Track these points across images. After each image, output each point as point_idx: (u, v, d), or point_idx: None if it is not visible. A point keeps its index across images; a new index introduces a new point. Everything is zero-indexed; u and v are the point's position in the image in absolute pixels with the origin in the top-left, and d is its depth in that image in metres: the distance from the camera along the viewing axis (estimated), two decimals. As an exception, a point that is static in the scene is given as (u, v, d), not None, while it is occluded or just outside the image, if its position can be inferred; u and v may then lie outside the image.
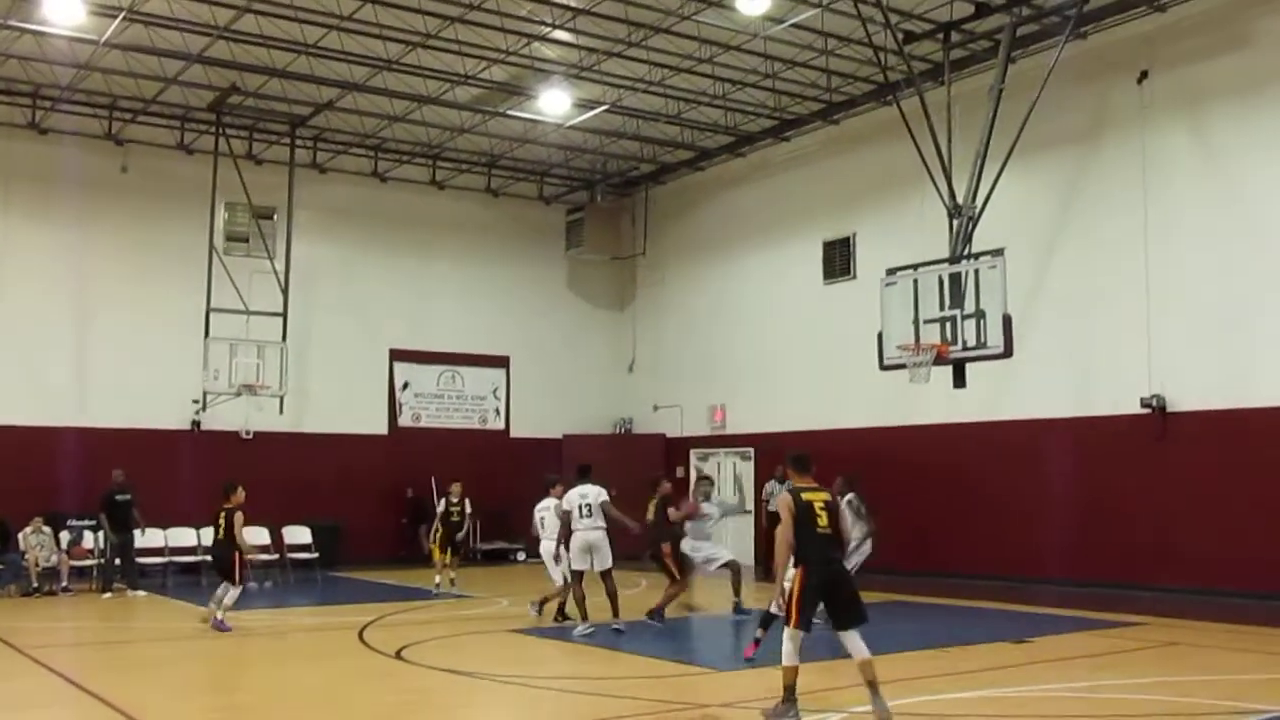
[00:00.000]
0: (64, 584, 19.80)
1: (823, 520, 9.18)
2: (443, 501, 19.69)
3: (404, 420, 26.96)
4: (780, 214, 25.46)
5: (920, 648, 13.40)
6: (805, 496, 9.29)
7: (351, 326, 26.19)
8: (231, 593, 15.41)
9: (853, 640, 9.09)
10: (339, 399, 25.87)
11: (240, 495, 15.88)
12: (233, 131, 23.95)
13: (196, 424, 23.97)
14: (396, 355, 26.92)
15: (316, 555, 22.66)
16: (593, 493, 14.94)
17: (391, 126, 24.39)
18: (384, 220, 26.85)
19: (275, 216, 25.01)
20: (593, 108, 22.99)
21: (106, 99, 22.60)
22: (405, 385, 27.04)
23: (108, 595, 19.48)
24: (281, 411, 23.94)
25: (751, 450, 25.68)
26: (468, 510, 19.60)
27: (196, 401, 23.64)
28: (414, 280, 27.07)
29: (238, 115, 23.45)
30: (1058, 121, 19.20)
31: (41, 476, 21.48)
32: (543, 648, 14.00)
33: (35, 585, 19.40)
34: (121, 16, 18.42)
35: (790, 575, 9.33)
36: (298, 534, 22.95)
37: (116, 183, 23.83)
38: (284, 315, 23.92)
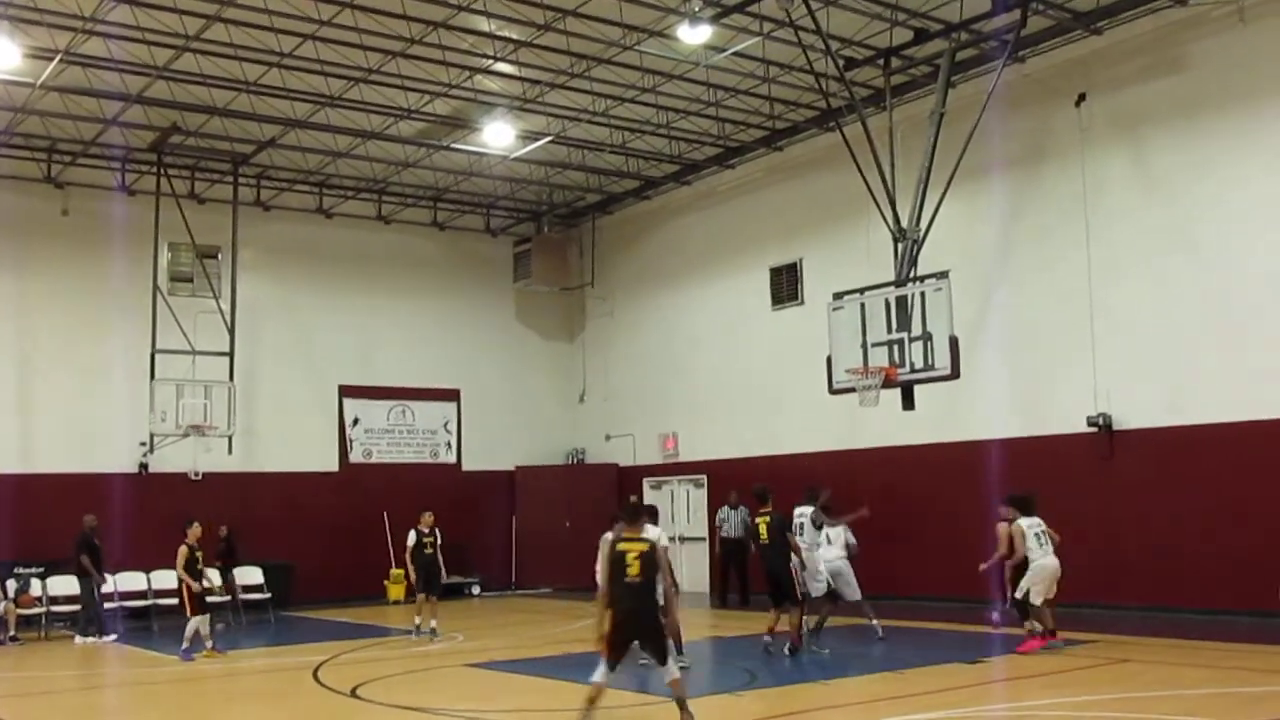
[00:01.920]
0: (12, 633, 19.44)
1: (633, 570, 9.68)
2: (413, 534, 18.77)
3: (355, 456, 26.77)
4: (727, 241, 25.58)
5: (872, 671, 13.43)
6: (620, 546, 9.82)
7: (299, 364, 26.01)
8: (189, 625, 15.67)
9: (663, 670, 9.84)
10: (289, 437, 25.64)
11: (192, 531, 16.41)
12: (174, 171, 23.73)
13: (144, 466, 23.67)
14: (346, 391, 26.74)
15: (269, 596, 22.41)
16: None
17: (335, 162, 24.30)
18: (330, 256, 26.74)
19: (220, 256, 24.83)
20: (537, 139, 23.02)
21: (45, 142, 22.38)
22: (355, 421, 26.86)
23: (92, 640, 19.06)
24: (230, 451, 23.64)
25: (704, 477, 25.69)
26: (439, 541, 18.83)
27: (144, 444, 23.36)
28: (362, 316, 26.93)
29: (179, 155, 23.27)
30: (999, 145, 19.38)
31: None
32: (498, 682, 13.89)
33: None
34: (58, 59, 18.25)
35: None
36: (249, 574, 22.68)
37: (57, 226, 23.56)
38: (231, 354, 23.68)
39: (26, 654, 18.39)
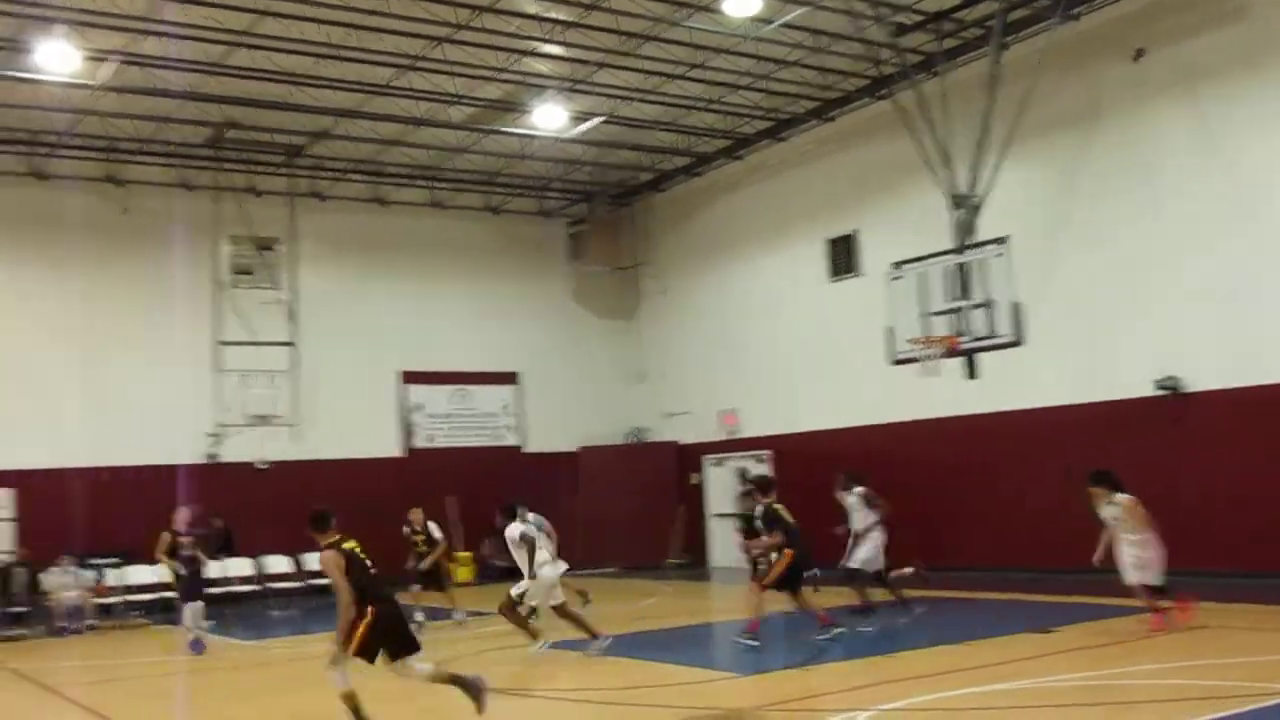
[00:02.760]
0: (89, 622, 19.80)
1: (369, 562, 10.12)
2: (406, 529, 18.73)
3: (418, 442, 26.97)
4: (781, 214, 25.44)
5: (939, 643, 13.33)
6: (346, 546, 10.22)
7: (360, 351, 26.19)
8: (184, 612, 15.99)
9: (412, 666, 10.00)
10: (352, 424, 25.85)
11: (178, 515, 16.96)
12: (231, 165, 23.99)
13: (212, 457, 24.01)
14: (407, 377, 26.94)
15: (338, 581, 22.60)
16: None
17: (388, 150, 24.41)
18: (386, 244, 26.90)
19: (278, 247, 25.06)
20: (588, 119, 22.98)
21: (105, 141, 22.66)
22: (417, 407, 27.06)
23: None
24: (295, 440, 23.94)
25: (766, 453, 25.59)
26: (436, 535, 18.81)
27: (211, 435, 23.67)
28: (420, 301, 27.11)
29: (235, 149, 23.50)
30: (1055, 105, 19.13)
31: (61, 518, 21.42)
32: (565, 661, 13.94)
33: (62, 624, 19.45)
34: (115, 60, 18.46)
35: None
36: (318, 561, 22.92)
37: (119, 223, 23.88)
38: (292, 344, 23.93)
39: (103, 642, 18.69)
